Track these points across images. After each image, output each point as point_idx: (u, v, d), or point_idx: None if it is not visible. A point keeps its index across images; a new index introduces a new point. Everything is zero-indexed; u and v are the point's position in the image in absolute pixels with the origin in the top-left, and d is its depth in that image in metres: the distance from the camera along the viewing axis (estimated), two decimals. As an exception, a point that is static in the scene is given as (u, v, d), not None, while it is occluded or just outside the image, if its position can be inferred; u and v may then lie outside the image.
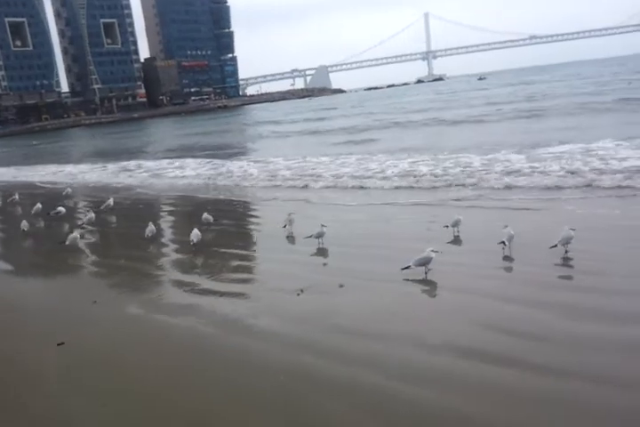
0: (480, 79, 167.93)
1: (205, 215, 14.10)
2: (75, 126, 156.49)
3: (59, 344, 7.36)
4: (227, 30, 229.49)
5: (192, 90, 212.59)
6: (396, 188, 17.54)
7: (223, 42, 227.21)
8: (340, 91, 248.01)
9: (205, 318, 7.97)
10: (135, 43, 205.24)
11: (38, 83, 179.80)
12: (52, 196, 23.52)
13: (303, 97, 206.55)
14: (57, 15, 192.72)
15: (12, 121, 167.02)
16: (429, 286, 8.66)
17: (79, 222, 16.47)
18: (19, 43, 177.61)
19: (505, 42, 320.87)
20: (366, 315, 7.63)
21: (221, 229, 13.72)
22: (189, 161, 31.00)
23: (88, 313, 8.64)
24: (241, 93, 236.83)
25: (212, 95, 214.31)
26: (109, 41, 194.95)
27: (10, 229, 17.13)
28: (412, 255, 8.81)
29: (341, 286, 8.68)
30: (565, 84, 74.39)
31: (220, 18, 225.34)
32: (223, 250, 12.00)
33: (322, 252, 11.00)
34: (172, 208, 19.23)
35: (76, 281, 10.80)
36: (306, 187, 19.62)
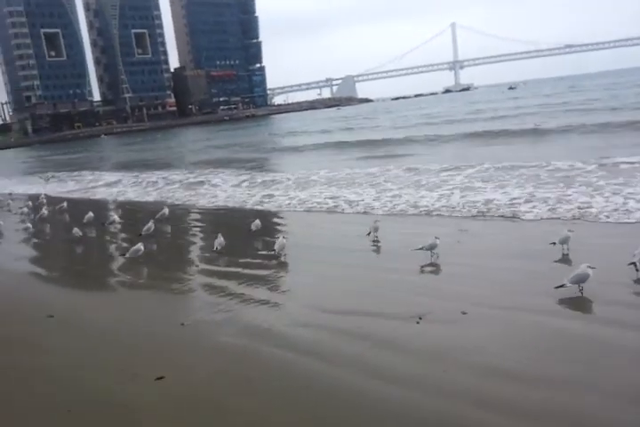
0: (510, 88, 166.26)
1: (256, 222, 14.06)
2: (105, 134, 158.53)
3: (157, 379, 6.46)
4: (255, 40, 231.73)
5: (221, 99, 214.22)
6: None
7: (251, 52, 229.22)
8: (368, 100, 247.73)
9: (328, 355, 6.87)
10: (165, 52, 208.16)
11: (71, 92, 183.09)
12: (99, 205, 22.95)
13: (330, 106, 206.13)
14: (90, 26, 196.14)
15: (45, 129, 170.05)
16: (584, 319, 7.41)
17: (140, 232, 15.72)
18: (53, 53, 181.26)
19: (531, 51, 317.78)
20: (514, 353, 6.47)
21: (296, 242, 12.72)
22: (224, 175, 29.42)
23: (179, 338, 7.73)
24: (268, 103, 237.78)
25: (241, 105, 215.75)
26: (140, 51, 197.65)
27: (64, 240, 16.42)
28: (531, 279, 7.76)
29: (464, 313, 7.64)
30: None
31: (248, 28, 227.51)
32: (313, 266, 11.09)
33: (432, 268, 10.08)
34: (225, 220, 18.32)
35: (152, 297, 9.90)
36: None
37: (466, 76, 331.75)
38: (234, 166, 32.29)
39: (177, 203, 21.76)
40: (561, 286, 7.73)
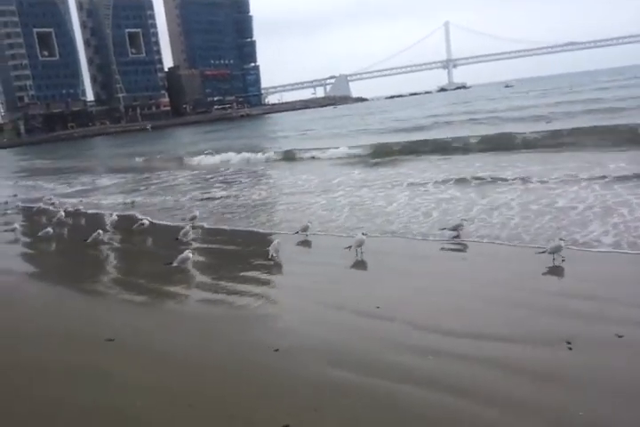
0: (507, 87, 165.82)
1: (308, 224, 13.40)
2: (100, 135, 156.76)
3: None
4: (249, 40, 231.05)
5: (215, 99, 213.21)
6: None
7: (245, 51, 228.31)
8: (362, 99, 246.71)
9: (463, 389, 5.76)
10: (159, 52, 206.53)
11: (64, 92, 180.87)
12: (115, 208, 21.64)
13: (325, 105, 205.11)
14: (83, 25, 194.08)
15: (38, 129, 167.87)
16: None
17: (176, 237, 14.54)
18: (46, 53, 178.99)
19: (525, 50, 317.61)
20: None
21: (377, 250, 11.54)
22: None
23: (279, 368, 6.58)
24: (262, 102, 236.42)
25: (235, 104, 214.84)
26: (134, 50, 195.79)
27: (92, 246, 15.13)
28: None
29: (620, 336, 6.52)
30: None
31: (242, 28, 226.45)
32: (400, 277, 9.98)
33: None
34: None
35: (225, 315, 8.67)
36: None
37: (460, 75, 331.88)
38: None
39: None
40: None
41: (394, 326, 7.48)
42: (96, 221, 19.11)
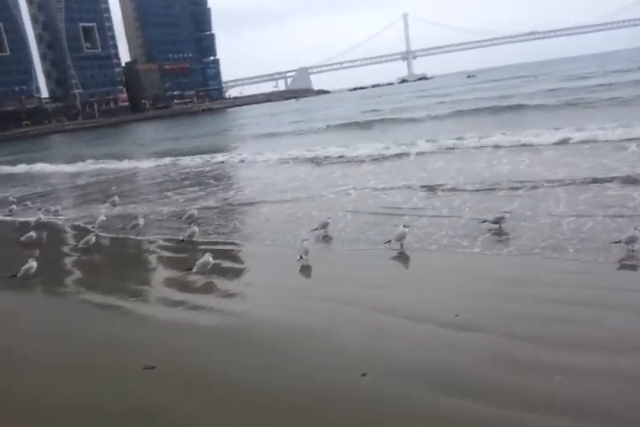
0: (469, 77, 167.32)
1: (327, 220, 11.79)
2: (56, 132, 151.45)
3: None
4: (208, 33, 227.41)
5: (175, 93, 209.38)
6: None
7: (204, 44, 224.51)
8: (325, 91, 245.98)
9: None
10: (115, 46, 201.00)
11: (17, 89, 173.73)
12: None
13: (288, 98, 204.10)
14: (34, 20, 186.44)
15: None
16: None
17: (180, 238, 13.42)
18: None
19: (482, 41, 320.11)
20: None
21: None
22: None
23: (380, 402, 5.64)
24: (224, 96, 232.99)
25: (195, 98, 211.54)
26: (89, 45, 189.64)
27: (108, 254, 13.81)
28: None
29: None
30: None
31: (200, 20, 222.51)
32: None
33: None
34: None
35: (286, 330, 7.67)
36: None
37: (422, 66, 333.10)
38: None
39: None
40: None
41: (490, 339, 6.62)
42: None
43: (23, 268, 11.32)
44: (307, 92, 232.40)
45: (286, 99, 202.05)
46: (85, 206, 21.68)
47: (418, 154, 23.93)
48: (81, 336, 8.22)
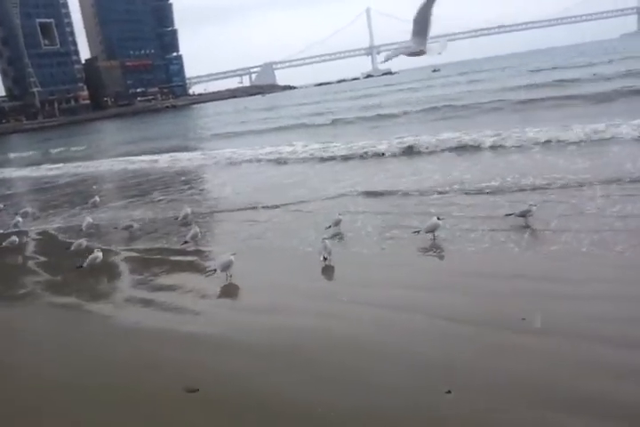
0: (434, 71, 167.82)
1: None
2: (15, 132, 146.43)
3: None
4: (170, 28, 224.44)
5: (137, 90, 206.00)
6: None
7: (167, 40, 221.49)
8: (290, 87, 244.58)
9: None
10: (75, 43, 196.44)
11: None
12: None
13: (253, 94, 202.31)
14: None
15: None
16: None
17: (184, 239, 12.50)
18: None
19: (446, 35, 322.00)
20: None
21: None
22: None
23: (463, 418, 4.93)
24: (188, 93, 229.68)
25: (159, 95, 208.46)
26: (47, 42, 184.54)
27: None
28: None
29: None
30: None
31: (162, 16, 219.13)
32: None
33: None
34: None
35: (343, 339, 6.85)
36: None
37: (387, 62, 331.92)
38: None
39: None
40: None
41: (582, 346, 5.92)
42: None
43: (89, 257, 11.25)
44: (272, 88, 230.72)
45: (252, 95, 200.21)
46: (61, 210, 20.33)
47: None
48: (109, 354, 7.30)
